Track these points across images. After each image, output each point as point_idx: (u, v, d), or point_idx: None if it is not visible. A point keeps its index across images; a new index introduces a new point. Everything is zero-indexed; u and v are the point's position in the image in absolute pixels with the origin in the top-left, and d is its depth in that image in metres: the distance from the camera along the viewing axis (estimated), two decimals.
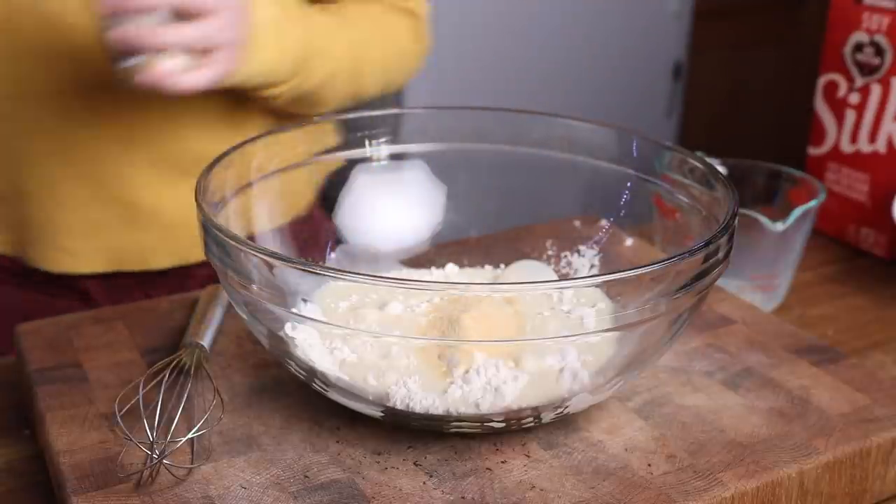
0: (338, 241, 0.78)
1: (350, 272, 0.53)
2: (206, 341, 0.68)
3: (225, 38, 0.70)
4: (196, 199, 0.59)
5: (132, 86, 0.68)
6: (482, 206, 0.80)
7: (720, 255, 0.58)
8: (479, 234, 0.81)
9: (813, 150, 1.07)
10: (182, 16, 0.68)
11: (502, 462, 0.59)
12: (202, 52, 0.69)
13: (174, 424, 0.59)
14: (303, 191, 0.82)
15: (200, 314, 0.72)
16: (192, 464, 0.58)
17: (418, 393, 0.58)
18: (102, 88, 0.80)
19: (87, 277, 0.89)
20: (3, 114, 0.83)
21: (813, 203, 0.85)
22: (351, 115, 0.78)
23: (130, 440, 0.57)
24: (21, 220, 0.87)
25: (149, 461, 0.56)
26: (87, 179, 0.84)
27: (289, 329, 0.59)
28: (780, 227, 0.82)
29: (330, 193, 0.79)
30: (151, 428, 0.57)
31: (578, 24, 2.38)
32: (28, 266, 0.88)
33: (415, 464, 0.58)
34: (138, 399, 0.59)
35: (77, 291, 0.89)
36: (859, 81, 1.00)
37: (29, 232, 0.87)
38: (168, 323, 0.74)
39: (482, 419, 0.58)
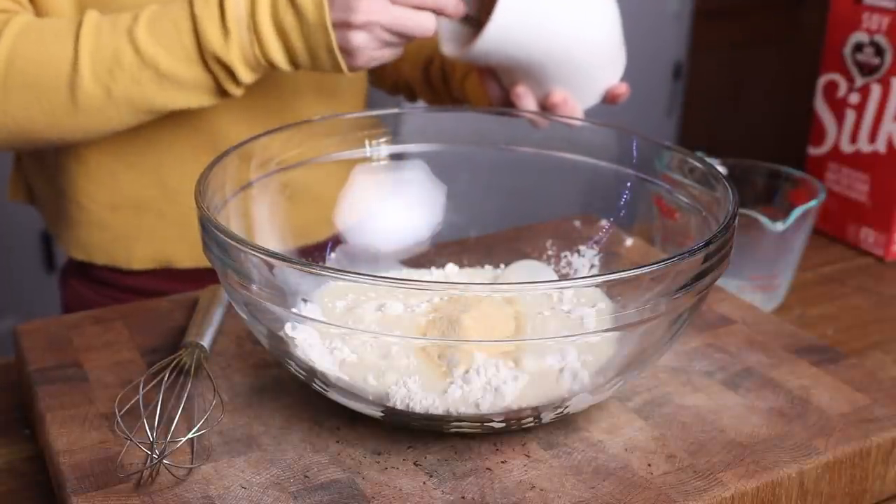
0: (338, 241, 0.78)
1: (350, 272, 0.53)
2: (206, 341, 0.68)
3: None
4: (196, 199, 0.59)
5: None
6: (482, 206, 0.80)
7: (720, 255, 0.58)
8: (479, 234, 0.81)
9: (813, 150, 1.07)
10: None
11: (502, 462, 0.59)
12: None
13: (174, 424, 0.59)
14: None
15: (200, 314, 0.72)
16: (192, 464, 0.58)
17: (418, 393, 0.58)
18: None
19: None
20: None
21: (813, 203, 0.85)
22: (351, 115, 0.78)
23: (130, 440, 0.57)
24: (170, 221, 0.90)
25: (149, 461, 0.56)
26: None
27: (289, 329, 0.59)
28: (780, 227, 0.82)
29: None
30: (151, 428, 0.57)
31: None
32: (174, 268, 0.93)
33: (415, 464, 0.58)
34: (138, 399, 0.59)
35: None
36: (859, 81, 1.00)
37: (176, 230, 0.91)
38: (168, 323, 0.74)
39: (482, 419, 0.58)
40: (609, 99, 0.88)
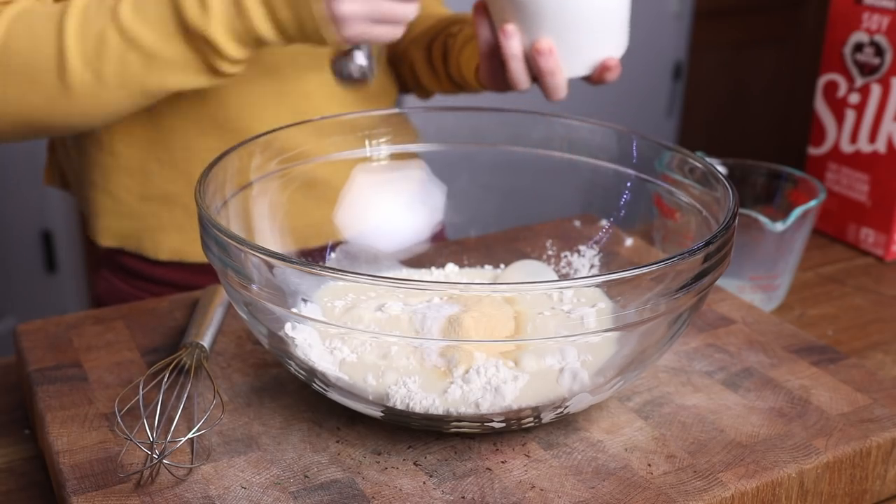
0: (338, 241, 0.77)
1: (350, 272, 0.53)
2: (206, 341, 0.68)
3: None
4: (196, 199, 0.60)
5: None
6: (482, 206, 0.80)
7: (720, 255, 0.58)
8: (479, 234, 0.81)
9: (813, 150, 1.07)
10: None
11: (502, 462, 0.59)
12: None
13: (174, 424, 0.59)
14: None
15: (200, 314, 0.72)
16: (192, 464, 0.58)
17: (418, 393, 0.58)
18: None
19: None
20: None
21: (813, 203, 0.85)
22: (351, 115, 0.78)
23: (130, 440, 0.57)
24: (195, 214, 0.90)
25: (149, 461, 0.56)
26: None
27: (289, 329, 0.59)
28: (780, 227, 0.82)
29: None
30: (151, 428, 0.57)
31: None
32: (197, 262, 0.93)
33: (415, 464, 0.58)
34: (138, 399, 0.59)
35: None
36: (859, 81, 1.00)
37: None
38: (168, 323, 0.74)
39: (482, 419, 0.58)
40: (597, 74, 0.83)
